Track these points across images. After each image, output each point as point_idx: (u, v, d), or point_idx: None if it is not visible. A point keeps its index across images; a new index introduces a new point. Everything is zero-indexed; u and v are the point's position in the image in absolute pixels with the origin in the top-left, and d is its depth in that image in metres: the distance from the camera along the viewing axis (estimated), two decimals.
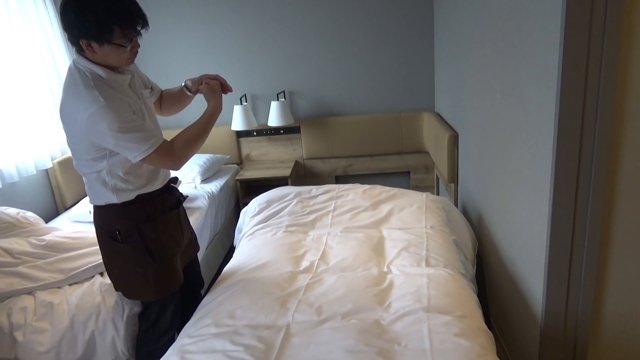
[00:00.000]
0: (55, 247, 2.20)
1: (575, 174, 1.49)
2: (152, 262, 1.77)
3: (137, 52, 1.65)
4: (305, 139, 3.73)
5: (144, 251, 1.75)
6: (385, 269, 1.97)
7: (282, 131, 3.76)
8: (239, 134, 3.79)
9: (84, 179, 1.75)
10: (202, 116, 1.77)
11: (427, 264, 1.95)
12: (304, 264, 2.06)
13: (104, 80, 1.58)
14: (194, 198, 3.05)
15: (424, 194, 2.57)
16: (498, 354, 2.14)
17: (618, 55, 1.37)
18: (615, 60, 1.36)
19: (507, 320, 2.13)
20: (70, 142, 1.66)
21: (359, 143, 3.71)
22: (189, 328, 1.72)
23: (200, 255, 2.79)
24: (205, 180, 3.42)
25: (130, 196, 1.72)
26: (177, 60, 3.68)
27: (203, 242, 2.87)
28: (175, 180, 1.99)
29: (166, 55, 3.67)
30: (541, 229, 1.64)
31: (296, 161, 3.79)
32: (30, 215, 2.51)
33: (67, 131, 1.65)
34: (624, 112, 1.43)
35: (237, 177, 3.55)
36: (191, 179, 3.36)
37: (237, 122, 3.56)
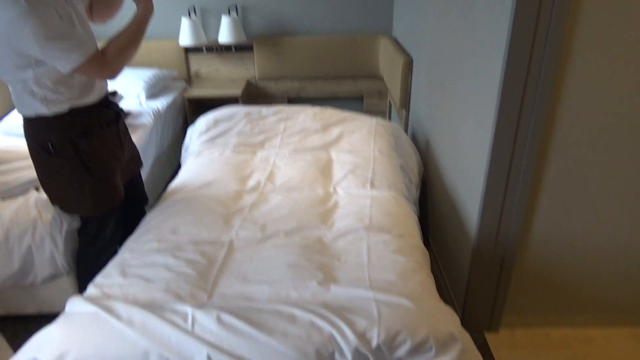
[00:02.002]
0: None
1: (519, 104, 1.52)
2: (89, 177, 1.70)
3: None
4: (258, 58, 3.59)
5: (79, 165, 1.68)
6: (331, 190, 2.00)
7: (233, 49, 3.58)
8: (188, 50, 3.59)
9: (9, 88, 1.62)
10: (131, 21, 1.64)
11: (372, 186, 1.98)
12: (251, 183, 2.05)
13: None
14: (138, 115, 2.91)
15: (375, 119, 2.57)
16: (433, 270, 2.28)
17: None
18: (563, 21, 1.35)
19: (444, 240, 2.25)
20: None
21: (314, 65, 3.61)
22: (130, 243, 1.70)
23: (145, 173, 2.73)
24: (151, 96, 3.25)
25: (63, 108, 1.62)
26: None
27: (148, 159, 2.79)
28: (114, 93, 1.88)
29: None
30: (482, 155, 1.68)
31: (248, 81, 3.66)
32: None
33: None
34: (572, 42, 1.43)
35: (185, 95, 3.40)
36: (135, 94, 3.18)
37: (185, 37, 3.35)
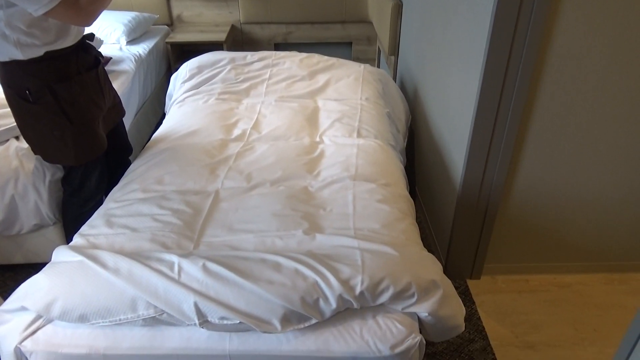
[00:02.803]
0: None
1: (507, 53, 1.49)
2: (70, 125, 1.66)
3: None
4: (243, 1, 3.45)
5: (59, 113, 1.63)
6: (318, 139, 1.98)
7: None
8: None
9: None
10: None
11: (359, 135, 1.97)
12: (236, 132, 2.02)
13: None
14: (119, 60, 2.82)
15: (362, 66, 2.52)
16: (418, 219, 2.32)
17: None
18: None
19: (430, 190, 2.27)
20: None
21: (301, 9, 3.49)
22: (115, 193, 1.69)
23: (129, 121, 2.68)
24: (132, 41, 3.14)
25: (38, 52, 1.55)
26: None
27: (131, 108, 2.73)
28: (91, 36, 1.79)
29: None
30: (469, 104, 1.67)
31: (232, 25, 3.53)
32: None
33: None
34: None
35: (167, 40, 3.29)
36: (115, 39, 3.07)
37: None
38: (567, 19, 1.44)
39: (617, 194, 1.82)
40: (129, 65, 2.79)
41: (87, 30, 1.80)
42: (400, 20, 2.76)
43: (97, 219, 1.54)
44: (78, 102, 1.66)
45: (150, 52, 3.11)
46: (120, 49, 3.02)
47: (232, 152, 1.87)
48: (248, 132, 2.02)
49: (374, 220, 1.47)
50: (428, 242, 2.23)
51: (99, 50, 2.78)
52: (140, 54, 2.97)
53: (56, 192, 1.92)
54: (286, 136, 1.98)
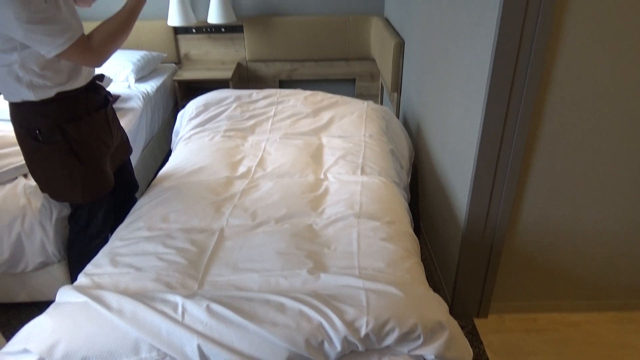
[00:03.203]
0: None
1: (509, 90, 1.51)
2: (78, 164, 1.69)
3: None
4: (249, 39, 3.54)
5: (68, 152, 1.66)
6: (322, 176, 2.00)
7: (223, 30, 3.53)
8: (177, 31, 3.53)
9: None
10: (123, 7, 1.60)
11: (363, 172, 1.98)
12: (241, 169, 2.04)
13: None
14: (127, 98, 2.88)
15: (366, 102, 2.56)
16: (424, 256, 2.30)
17: None
18: None
19: (434, 226, 2.26)
20: None
21: (305, 46, 3.57)
22: (121, 231, 1.70)
23: (135, 158, 2.71)
24: (140, 79, 3.21)
25: (49, 93, 1.59)
26: None
27: (138, 145, 2.77)
28: (101, 77, 1.84)
29: None
30: (472, 140, 1.68)
31: (238, 63, 3.62)
32: None
33: None
34: (561, 27, 1.42)
35: (174, 78, 3.36)
36: (124, 77, 3.15)
37: (174, 17, 3.29)
38: (567, 58, 1.47)
39: (624, 230, 1.81)
40: (137, 103, 2.85)
41: (97, 70, 1.85)
42: (402, 57, 2.82)
43: (102, 257, 1.54)
44: (87, 141, 1.69)
45: (158, 89, 3.17)
46: (129, 86, 3.09)
47: (237, 190, 1.89)
48: (253, 169, 2.04)
49: (378, 258, 1.46)
50: (434, 280, 2.21)
51: (108, 88, 2.85)
52: (148, 92, 3.03)
53: (62, 230, 1.94)
54: (291, 173, 1.99)
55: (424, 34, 2.32)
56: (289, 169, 2.02)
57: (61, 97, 1.61)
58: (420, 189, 2.54)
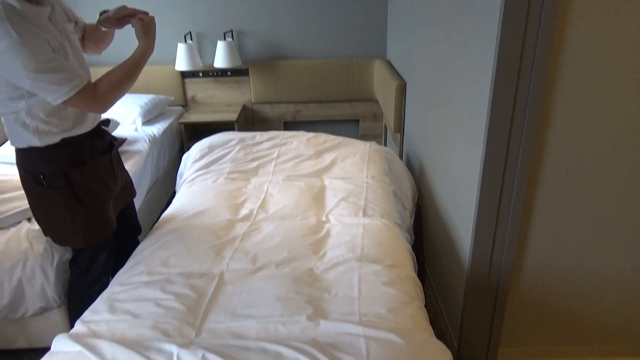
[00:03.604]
0: None
1: (508, 131, 1.52)
2: (81, 208, 1.70)
3: None
4: (254, 82, 3.62)
5: (71, 197, 1.68)
6: (324, 218, 1.99)
7: (229, 73, 3.61)
8: (184, 75, 3.62)
9: (2, 119, 1.62)
10: (130, 57, 1.65)
11: (365, 214, 1.97)
12: (243, 212, 2.04)
13: (17, 11, 1.43)
14: (134, 141, 2.93)
15: (368, 144, 2.57)
16: (429, 299, 2.25)
17: (555, 20, 1.36)
18: (552, 24, 1.36)
19: (439, 268, 2.23)
20: None
21: (309, 89, 3.64)
22: (121, 275, 1.69)
23: (140, 200, 2.73)
24: (147, 122, 3.28)
25: (55, 139, 1.62)
26: None
27: (143, 187, 2.79)
28: (107, 122, 1.88)
29: None
30: (473, 182, 1.68)
31: (244, 105, 3.68)
32: None
33: None
34: (557, 69, 1.44)
35: (181, 120, 3.42)
36: (132, 120, 3.21)
37: (182, 62, 3.38)
38: (566, 100, 1.48)
39: (635, 271, 1.76)
40: (142, 146, 2.89)
41: (103, 115, 1.89)
42: (404, 99, 2.86)
43: (100, 303, 1.53)
44: (90, 186, 1.71)
45: (165, 132, 3.22)
46: (136, 129, 3.15)
47: (238, 233, 1.88)
48: (255, 211, 2.04)
49: (379, 304, 1.43)
50: (440, 324, 2.16)
51: (115, 132, 2.90)
52: (154, 134, 3.08)
53: (63, 274, 1.93)
54: (293, 215, 1.99)
55: (425, 77, 2.35)
56: (291, 211, 2.01)
57: (66, 142, 1.64)
58: (424, 230, 2.51)
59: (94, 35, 1.82)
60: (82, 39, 1.82)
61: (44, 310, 1.94)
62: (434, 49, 2.17)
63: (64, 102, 1.51)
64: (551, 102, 1.49)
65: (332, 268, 1.64)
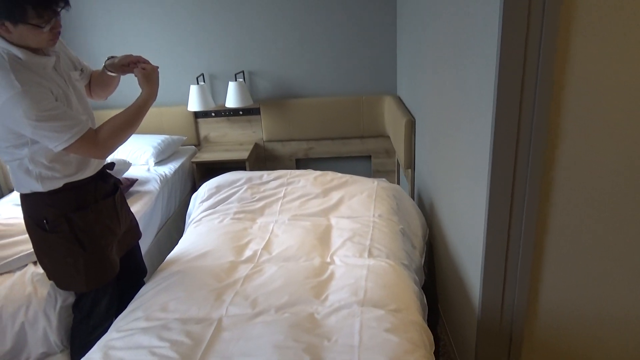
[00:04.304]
0: None
1: (512, 168, 1.47)
2: (83, 252, 1.70)
3: (58, 32, 1.54)
4: (265, 121, 3.65)
5: (73, 241, 1.68)
6: (328, 260, 1.94)
7: (241, 112, 3.66)
8: (197, 115, 3.68)
9: (7, 166, 1.65)
10: (133, 104, 1.67)
11: (370, 255, 1.92)
12: (247, 253, 2.01)
13: (22, 62, 1.47)
14: (145, 181, 2.96)
15: (376, 181, 2.54)
16: (443, 342, 2.15)
17: (554, 57, 1.33)
18: (551, 58, 1.33)
19: (451, 310, 2.14)
20: None
21: (320, 126, 3.65)
22: (119, 321, 1.66)
23: (149, 240, 2.73)
24: (160, 162, 3.32)
25: (57, 184, 1.64)
26: (129, 34, 3.51)
27: (153, 227, 2.79)
28: (111, 166, 1.90)
29: (117, 29, 3.50)
30: (479, 221, 1.62)
31: (256, 143, 3.71)
32: None
33: None
34: (560, 110, 1.40)
35: (193, 160, 3.46)
36: (144, 160, 3.26)
37: (194, 103, 3.45)
38: (570, 133, 1.43)
39: None
40: (153, 186, 2.92)
41: (108, 159, 1.91)
42: (414, 134, 2.83)
43: (96, 351, 1.50)
44: (92, 229, 1.71)
45: (176, 171, 3.25)
46: (148, 169, 3.18)
47: (240, 275, 1.84)
48: (259, 253, 2.00)
49: (380, 353, 1.36)
50: None
51: (127, 172, 2.94)
52: (166, 174, 3.11)
53: (66, 319, 1.91)
54: (296, 257, 1.95)
55: (431, 113, 2.33)
56: (295, 252, 1.97)
57: (69, 187, 1.66)
58: (436, 269, 2.43)
59: (100, 80, 1.86)
60: (89, 85, 1.86)
61: (46, 355, 1.93)
62: (438, 85, 2.15)
63: (66, 149, 1.53)
64: (557, 137, 1.44)
65: (333, 313, 1.59)
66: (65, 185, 1.65)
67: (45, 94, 1.48)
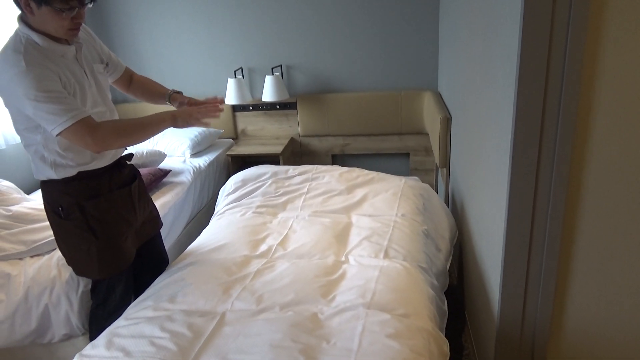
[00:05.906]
0: (21, 218, 2.21)
1: (535, 168, 1.34)
2: (95, 240, 1.73)
3: (79, 23, 1.56)
4: (302, 115, 3.62)
5: (86, 229, 1.71)
6: (343, 259, 1.88)
7: (278, 106, 3.65)
8: (235, 108, 3.71)
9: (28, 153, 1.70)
10: (152, 116, 1.67)
11: (386, 256, 1.84)
12: (262, 247, 1.99)
13: (38, 47, 1.51)
14: (179, 172, 3.01)
15: (404, 179, 2.44)
16: (467, 350, 2.03)
17: (581, 57, 1.19)
18: (577, 66, 1.19)
19: (475, 318, 2.01)
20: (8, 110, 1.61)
21: (357, 122, 3.57)
22: (130, 309, 1.69)
23: (179, 231, 2.77)
24: (197, 154, 3.37)
25: (71, 172, 1.67)
26: (170, 28, 3.59)
27: (183, 218, 2.84)
28: (130, 156, 1.92)
29: (160, 27, 3.59)
30: (500, 224, 1.50)
31: (292, 138, 3.68)
32: (5, 184, 2.53)
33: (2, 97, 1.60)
34: (590, 108, 1.26)
35: (228, 153, 3.49)
36: (181, 152, 3.32)
37: (231, 96, 3.47)
38: (600, 130, 1.29)
39: None
40: (186, 177, 2.96)
41: (129, 149, 1.94)
42: (449, 133, 2.70)
43: (103, 337, 1.53)
44: (105, 218, 1.74)
45: (211, 163, 3.29)
46: (184, 161, 3.24)
47: (251, 270, 1.82)
48: (274, 248, 1.97)
49: (378, 359, 1.29)
50: None
51: (163, 163, 3.00)
52: (199, 166, 3.16)
53: (87, 303, 1.97)
54: (310, 254, 1.90)
55: (465, 110, 2.20)
56: (309, 250, 1.93)
57: (83, 175, 1.69)
58: (464, 274, 2.31)
59: (148, 90, 1.96)
60: (127, 82, 1.93)
61: (68, 337, 2.00)
62: (471, 81, 2.02)
63: (62, 134, 1.51)
64: (584, 139, 1.30)
65: (338, 314, 1.53)
66: (80, 173, 1.68)
67: (49, 76, 1.48)
